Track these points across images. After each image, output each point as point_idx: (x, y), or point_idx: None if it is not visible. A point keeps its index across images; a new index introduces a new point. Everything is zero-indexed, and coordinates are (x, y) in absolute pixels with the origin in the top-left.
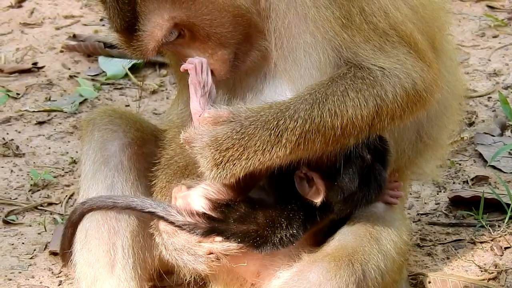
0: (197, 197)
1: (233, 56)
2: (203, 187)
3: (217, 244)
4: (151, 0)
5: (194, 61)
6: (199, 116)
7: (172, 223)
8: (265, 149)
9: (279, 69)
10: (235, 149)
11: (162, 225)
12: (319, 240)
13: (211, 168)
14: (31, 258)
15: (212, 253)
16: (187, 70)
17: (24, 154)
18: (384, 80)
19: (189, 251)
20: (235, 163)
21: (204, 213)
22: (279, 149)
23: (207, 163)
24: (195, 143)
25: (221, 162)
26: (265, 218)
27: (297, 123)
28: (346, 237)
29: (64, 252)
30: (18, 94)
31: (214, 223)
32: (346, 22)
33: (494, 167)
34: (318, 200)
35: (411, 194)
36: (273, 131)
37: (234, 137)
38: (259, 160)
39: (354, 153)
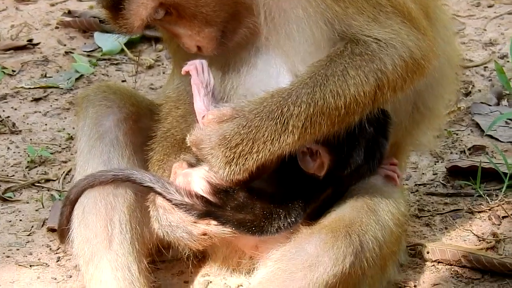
0: (198, 179)
1: (221, 34)
2: (205, 169)
3: (212, 226)
4: None
5: (194, 62)
6: (203, 117)
7: (169, 200)
8: (273, 138)
9: (272, 43)
10: (245, 143)
11: (159, 200)
12: (317, 213)
13: (224, 166)
14: (28, 235)
15: (206, 234)
16: (187, 71)
17: (20, 131)
18: (382, 52)
19: (183, 229)
20: (246, 158)
21: (202, 196)
22: (287, 136)
23: (219, 162)
24: (204, 144)
25: (233, 159)
26: (263, 209)
27: (301, 108)
28: (343, 209)
29: (62, 229)
30: (13, 71)
31: (211, 208)
32: None
33: (491, 137)
34: (322, 173)
35: (408, 165)
36: (278, 120)
37: (242, 132)
38: (269, 150)
39: (358, 126)
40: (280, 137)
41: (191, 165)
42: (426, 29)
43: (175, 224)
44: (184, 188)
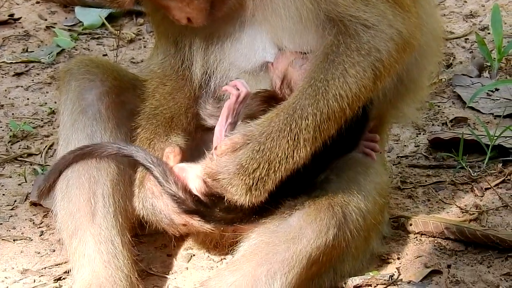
0: (194, 177)
1: (210, 5)
2: (202, 167)
3: (195, 221)
4: None
5: (239, 86)
6: (215, 148)
7: (162, 187)
8: (287, 156)
9: (258, 18)
10: (261, 167)
11: (149, 184)
12: (299, 188)
13: (245, 193)
14: (12, 209)
15: (186, 225)
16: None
17: (2, 105)
18: (375, 41)
19: (165, 215)
20: (265, 180)
21: (195, 195)
22: (300, 150)
23: (240, 190)
24: (221, 175)
25: (253, 184)
26: (252, 210)
27: (308, 120)
28: (325, 182)
29: (41, 194)
30: None
31: (200, 207)
32: None
33: (472, 108)
34: None
35: (390, 137)
36: (289, 137)
37: (257, 157)
38: (285, 168)
39: None
40: (294, 153)
41: (182, 150)
42: (410, 6)
43: (159, 209)
44: (181, 181)
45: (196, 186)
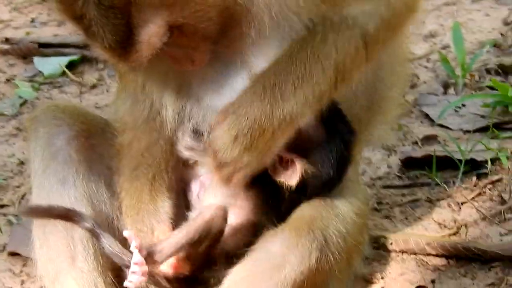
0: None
1: (213, 46)
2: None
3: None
4: (147, 9)
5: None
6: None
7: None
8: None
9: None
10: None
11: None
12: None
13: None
14: None
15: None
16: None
17: None
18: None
19: None
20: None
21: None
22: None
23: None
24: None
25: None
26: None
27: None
28: (301, 209)
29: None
30: None
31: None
32: None
33: (441, 126)
34: (294, 182)
35: (361, 160)
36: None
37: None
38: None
39: (328, 136)
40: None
41: (171, 223)
42: None
43: None
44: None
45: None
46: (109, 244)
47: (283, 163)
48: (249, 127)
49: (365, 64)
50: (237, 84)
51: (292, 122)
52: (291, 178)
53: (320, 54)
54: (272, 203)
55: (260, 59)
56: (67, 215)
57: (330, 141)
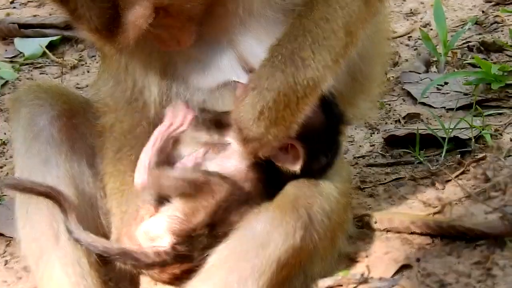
0: (162, 233)
1: (198, 26)
2: (166, 218)
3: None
4: None
5: (177, 112)
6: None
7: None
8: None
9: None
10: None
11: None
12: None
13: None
14: None
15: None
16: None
17: None
18: None
19: None
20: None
21: (172, 249)
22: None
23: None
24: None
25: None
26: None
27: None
28: (286, 188)
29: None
30: None
31: (181, 258)
32: None
33: (424, 104)
34: (297, 168)
35: (344, 138)
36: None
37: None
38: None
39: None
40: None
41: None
42: None
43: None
44: (152, 250)
45: (168, 241)
46: (82, 236)
47: (283, 149)
48: (274, 100)
49: (368, 21)
50: (223, 63)
51: (315, 87)
52: (293, 163)
53: (328, 16)
54: (269, 186)
55: (248, 38)
56: (50, 194)
57: (328, 126)
